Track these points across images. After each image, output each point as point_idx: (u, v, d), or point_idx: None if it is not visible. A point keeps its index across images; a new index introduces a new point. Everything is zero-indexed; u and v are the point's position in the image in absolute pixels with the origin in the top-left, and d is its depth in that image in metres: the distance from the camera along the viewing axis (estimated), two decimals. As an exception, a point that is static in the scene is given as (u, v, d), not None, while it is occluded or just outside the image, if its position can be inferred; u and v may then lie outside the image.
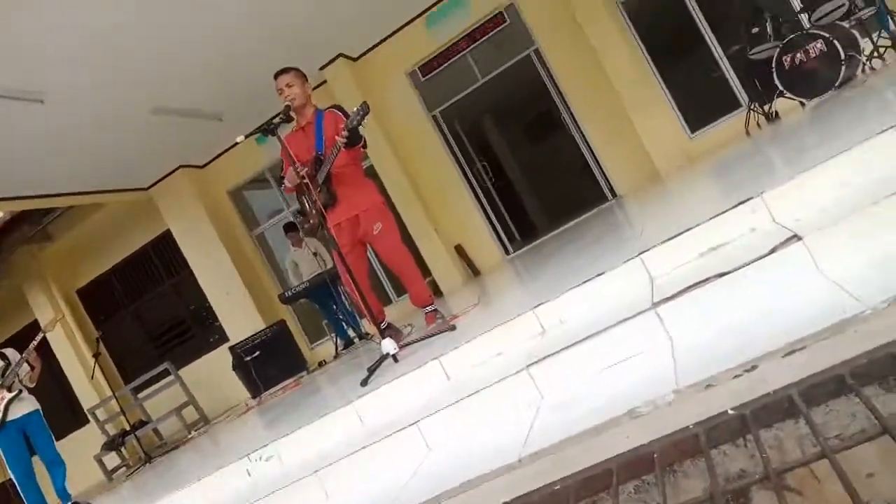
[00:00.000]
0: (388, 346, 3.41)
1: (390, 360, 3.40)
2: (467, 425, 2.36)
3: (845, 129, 3.06)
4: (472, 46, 8.36)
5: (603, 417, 1.82)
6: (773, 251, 2.03)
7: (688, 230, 2.48)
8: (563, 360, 2.26)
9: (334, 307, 7.32)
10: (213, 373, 9.03)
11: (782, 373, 1.53)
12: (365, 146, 3.87)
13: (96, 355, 7.08)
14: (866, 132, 2.39)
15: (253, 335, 7.13)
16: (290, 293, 7.12)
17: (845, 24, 5.63)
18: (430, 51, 8.44)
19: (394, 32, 8.43)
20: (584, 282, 2.66)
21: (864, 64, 5.62)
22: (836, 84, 5.36)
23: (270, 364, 6.68)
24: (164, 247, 9.85)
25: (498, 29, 8.24)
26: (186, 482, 3.31)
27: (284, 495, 2.63)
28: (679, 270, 2.41)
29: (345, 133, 3.59)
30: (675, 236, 2.51)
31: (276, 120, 3.62)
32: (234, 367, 7.33)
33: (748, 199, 2.40)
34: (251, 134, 3.55)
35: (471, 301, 4.68)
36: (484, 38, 8.31)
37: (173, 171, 8.98)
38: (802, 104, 5.84)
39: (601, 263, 2.98)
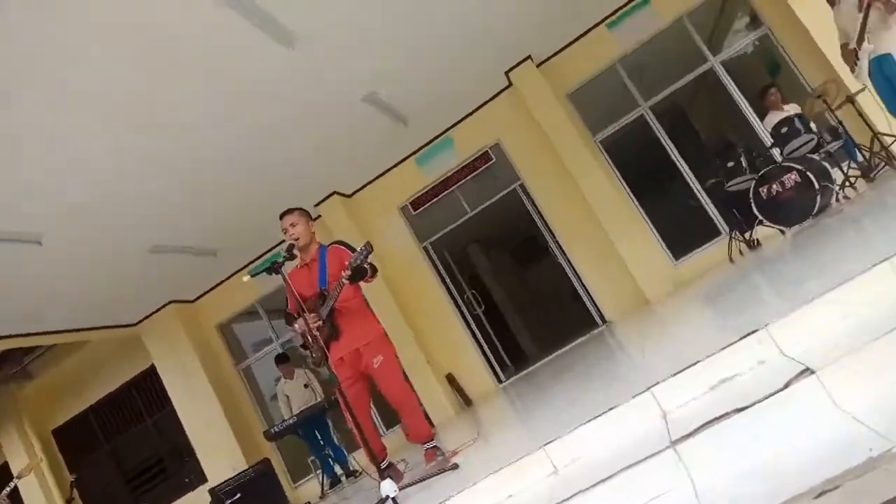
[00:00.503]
0: (388, 488, 3.23)
1: (389, 503, 3.22)
2: (481, 580, 2.20)
3: (835, 259, 3.16)
4: (460, 182, 8.72)
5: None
6: (787, 385, 2.01)
7: (697, 362, 2.47)
8: (581, 504, 2.15)
9: (321, 442, 7.05)
10: (191, 517, 8.51)
11: (820, 517, 1.47)
12: (375, 273, 3.90)
13: (69, 501, 6.62)
14: (860, 264, 2.47)
15: (234, 476, 6.76)
16: (277, 429, 6.86)
17: (816, 156, 5.99)
18: (420, 187, 8.79)
19: (386, 171, 8.82)
20: (595, 417, 2.60)
21: (838, 193, 5.92)
22: (814, 212, 5.60)
23: (254, 506, 6.28)
24: (147, 383, 9.62)
25: (485, 167, 8.66)
26: None
27: None
28: (692, 405, 2.36)
29: (347, 273, 3.65)
30: (685, 369, 2.49)
31: (281, 259, 3.68)
32: (213, 513, 6.87)
33: (754, 331, 2.41)
34: (257, 273, 3.59)
35: (469, 435, 4.53)
36: (471, 175, 8.69)
37: (163, 307, 8.96)
38: (783, 232, 6.05)
39: (607, 397, 2.93)
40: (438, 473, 3.44)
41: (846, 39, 5.24)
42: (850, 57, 5.20)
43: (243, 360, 9.59)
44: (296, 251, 3.94)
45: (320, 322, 3.87)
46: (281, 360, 7.46)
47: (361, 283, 4.02)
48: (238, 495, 6.24)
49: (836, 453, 1.72)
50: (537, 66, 8.22)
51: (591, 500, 2.14)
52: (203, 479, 8.59)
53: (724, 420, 2.07)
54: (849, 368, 1.97)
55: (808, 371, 2.00)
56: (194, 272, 8.52)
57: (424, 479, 3.44)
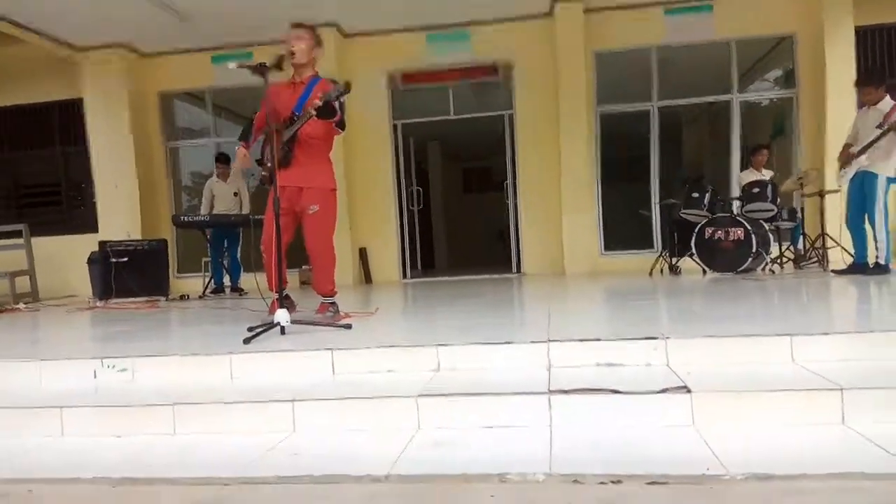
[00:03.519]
0: (283, 316, 3.40)
1: (277, 329, 3.40)
2: (342, 424, 2.44)
3: (740, 316, 3.52)
4: (457, 81, 8.61)
5: (474, 470, 1.98)
6: (663, 391, 2.31)
7: (598, 339, 2.77)
8: (452, 404, 2.40)
9: (225, 251, 7.12)
10: (65, 256, 8.42)
11: (643, 497, 1.76)
12: (342, 127, 3.91)
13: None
14: (762, 328, 2.82)
15: (130, 240, 6.75)
16: (188, 219, 6.84)
17: (767, 225, 6.39)
18: (420, 65, 8.58)
19: (394, 31, 8.51)
20: (490, 343, 2.86)
21: (767, 264, 6.38)
22: (739, 269, 6.05)
23: (134, 275, 6.30)
24: (70, 113, 9.14)
25: (488, 79, 8.57)
26: (25, 356, 3.13)
27: (133, 413, 2.56)
28: (576, 370, 2.66)
29: (317, 102, 3.63)
30: (584, 340, 2.78)
31: (269, 63, 3.60)
32: (91, 262, 6.89)
33: (654, 338, 2.72)
34: (244, 66, 3.50)
35: (368, 307, 4.77)
36: (472, 79, 8.59)
37: (114, 46, 8.46)
38: (704, 272, 6.49)
39: (506, 332, 3.21)
40: (330, 325, 3.64)
41: (853, 141, 5.55)
42: (846, 158, 5.53)
43: (174, 140, 9.33)
44: (285, 65, 3.85)
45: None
46: (222, 159, 7.32)
47: (332, 132, 4.03)
48: (126, 259, 6.26)
49: (676, 459, 2.01)
50: (584, 10, 8.08)
51: (458, 405, 2.39)
52: (94, 228, 8.46)
53: (599, 394, 2.35)
54: (720, 403, 2.28)
55: (685, 388, 2.30)
56: (161, 28, 7.95)
57: (316, 324, 3.63)
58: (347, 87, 3.65)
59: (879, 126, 5.22)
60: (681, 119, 9.99)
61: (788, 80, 8.28)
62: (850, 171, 5.41)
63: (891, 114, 5.20)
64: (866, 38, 7.88)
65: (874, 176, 5.27)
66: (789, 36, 8.09)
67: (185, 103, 9.51)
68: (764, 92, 8.71)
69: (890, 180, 5.27)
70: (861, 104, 5.54)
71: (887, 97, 5.35)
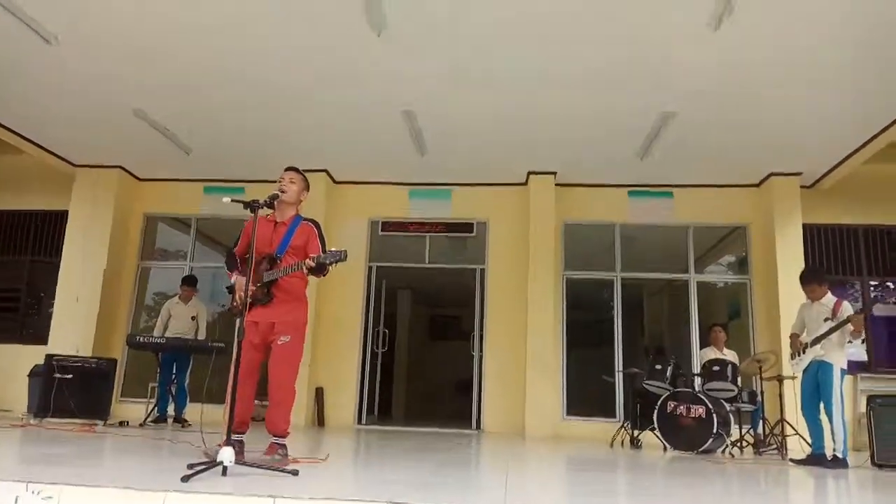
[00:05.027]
0: (227, 455, 3.22)
1: (219, 469, 3.21)
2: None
3: (705, 502, 3.45)
4: (434, 233, 8.95)
5: None
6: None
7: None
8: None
9: (173, 377, 6.86)
10: (7, 366, 8.04)
11: None
12: (326, 273, 3.99)
13: None
14: None
15: (78, 357, 6.50)
16: (143, 340, 6.65)
17: (728, 405, 6.43)
18: (399, 215, 8.97)
19: (379, 182, 8.97)
20: (443, 506, 2.74)
21: (727, 447, 6.34)
22: (699, 449, 6.00)
23: (76, 394, 5.99)
24: (51, 224, 9.20)
25: (464, 235, 8.93)
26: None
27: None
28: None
29: (310, 263, 3.74)
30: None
31: (262, 201, 3.74)
32: (34, 375, 6.58)
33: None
34: (237, 201, 3.64)
35: (319, 453, 4.56)
36: (447, 234, 8.95)
37: (111, 167, 8.74)
38: (665, 448, 6.41)
39: (462, 495, 3.09)
40: (276, 469, 3.45)
41: (799, 331, 5.82)
42: (797, 346, 5.74)
43: (149, 260, 9.33)
44: (276, 202, 4.01)
45: (258, 283, 3.92)
46: (189, 281, 7.30)
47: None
48: (70, 376, 5.99)
49: None
50: (556, 184, 8.63)
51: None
52: (44, 340, 8.17)
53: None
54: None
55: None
56: (159, 156, 8.38)
57: (260, 467, 3.45)
58: (344, 257, 3.76)
59: (828, 319, 5.47)
60: (643, 291, 10.36)
61: (742, 265, 8.78)
62: (805, 360, 5.58)
63: (836, 308, 5.48)
64: (813, 235, 8.50)
65: (829, 366, 5.43)
66: (743, 226, 8.70)
67: (167, 226, 9.63)
68: (719, 275, 9.18)
69: (843, 372, 5.44)
70: (810, 294, 5.83)
71: (829, 293, 5.68)
